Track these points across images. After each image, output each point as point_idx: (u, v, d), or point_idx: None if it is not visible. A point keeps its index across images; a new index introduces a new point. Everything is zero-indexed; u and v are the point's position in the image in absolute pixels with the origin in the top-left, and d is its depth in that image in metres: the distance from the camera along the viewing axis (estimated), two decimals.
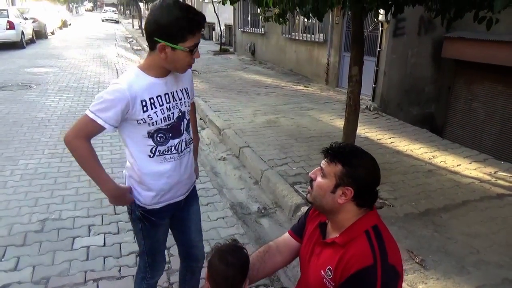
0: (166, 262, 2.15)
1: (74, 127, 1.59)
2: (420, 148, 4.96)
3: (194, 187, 2.01)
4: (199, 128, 6.07)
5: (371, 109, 6.74)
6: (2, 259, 2.75)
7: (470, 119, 6.60)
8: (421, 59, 6.84)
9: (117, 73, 10.39)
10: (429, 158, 4.62)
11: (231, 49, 15.40)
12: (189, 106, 1.81)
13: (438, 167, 4.36)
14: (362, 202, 1.35)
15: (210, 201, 3.71)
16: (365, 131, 5.55)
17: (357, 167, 1.33)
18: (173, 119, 1.69)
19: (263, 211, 3.57)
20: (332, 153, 1.36)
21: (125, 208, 3.56)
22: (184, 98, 1.76)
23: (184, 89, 1.77)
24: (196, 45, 1.57)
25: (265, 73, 10.37)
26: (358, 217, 1.35)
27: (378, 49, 6.80)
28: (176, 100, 1.71)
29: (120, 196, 1.74)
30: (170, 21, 1.48)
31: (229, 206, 3.65)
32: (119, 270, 2.68)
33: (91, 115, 1.54)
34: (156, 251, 1.93)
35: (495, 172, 4.26)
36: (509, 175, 4.18)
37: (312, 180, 1.41)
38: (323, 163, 1.38)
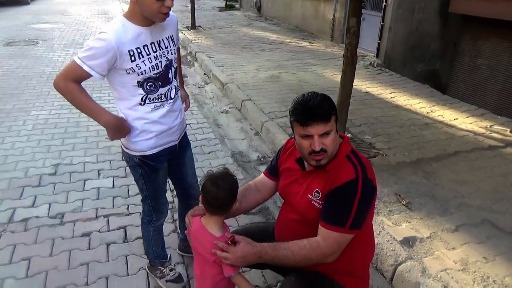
0: (169, 203, 2.31)
1: (61, 72, 1.67)
2: (419, 102, 5.05)
3: (186, 133, 2.13)
4: (202, 83, 6.20)
5: (375, 65, 6.74)
6: (21, 197, 3.00)
7: (474, 76, 6.58)
8: (428, 14, 6.73)
9: None
10: (427, 112, 4.71)
11: (237, 5, 15.08)
12: (175, 54, 1.88)
13: (434, 121, 4.46)
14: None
15: (212, 150, 3.90)
16: (367, 86, 5.62)
17: (333, 103, 1.49)
18: (161, 67, 1.77)
19: (262, 159, 3.76)
20: (325, 112, 1.42)
21: None
22: (170, 46, 1.83)
23: (170, 36, 1.83)
24: None
25: (270, 29, 10.26)
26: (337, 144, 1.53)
27: (384, 3, 6.68)
28: (162, 49, 1.77)
29: (119, 125, 1.75)
30: None
31: (230, 155, 3.85)
32: (127, 208, 2.93)
33: (78, 61, 1.61)
34: (158, 194, 2.06)
35: (490, 126, 4.36)
36: (504, 128, 4.28)
37: (322, 149, 1.45)
38: (322, 127, 1.41)
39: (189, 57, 7.68)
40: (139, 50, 1.68)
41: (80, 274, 2.29)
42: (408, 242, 2.45)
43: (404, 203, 2.88)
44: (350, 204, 1.41)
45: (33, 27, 10.25)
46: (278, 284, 2.20)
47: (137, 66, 1.68)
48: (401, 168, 3.39)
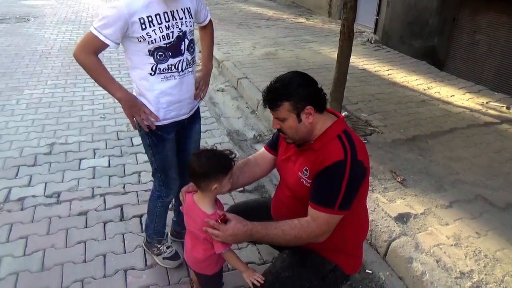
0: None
1: (80, 43, 1.72)
2: (416, 79, 5.01)
3: (198, 108, 2.11)
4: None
5: (372, 42, 6.65)
6: (16, 177, 3.00)
7: (472, 52, 6.51)
8: None
9: None
10: (424, 89, 4.69)
11: None
12: (191, 26, 1.85)
13: (431, 98, 4.45)
14: (321, 107, 1.50)
15: (208, 129, 3.89)
16: (364, 63, 5.56)
17: (297, 90, 1.45)
18: (172, 38, 1.75)
19: (258, 137, 3.75)
20: (271, 99, 1.48)
21: (127, 134, 3.76)
22: (186, 18, 1.80)
23: (186, 8, 1.81)
24: None
25: (266, 5, 10.07)
26: (328, 123, 1.51)
27: None
28: (176, 19, 1.76)
29: (132, 101, 1.82)
30: None
31: (226, 133, 3.84)
32: (124, 187, 2.93)
33: (94, 32, 1.66)
34: (167, 167, 2.05)
35: (487, 102, 4.35)
36: (500, 104, 4.28)
37: (279, 129, 1.55)
38: (272, 113, 1.50)
39: None
40: (150, 19, 1.68)
41: (77, 252, 2.31)
42: (402, 218, 2.48)
43: (399, 180, 2.90)
44: (338, 185, 1.40)
45: (23, 3, 10.00)
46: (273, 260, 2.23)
47: (147, 35, 1.69)
48: (397, 145, 3.39)
